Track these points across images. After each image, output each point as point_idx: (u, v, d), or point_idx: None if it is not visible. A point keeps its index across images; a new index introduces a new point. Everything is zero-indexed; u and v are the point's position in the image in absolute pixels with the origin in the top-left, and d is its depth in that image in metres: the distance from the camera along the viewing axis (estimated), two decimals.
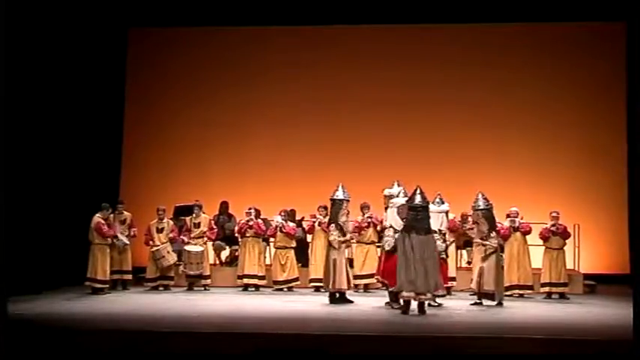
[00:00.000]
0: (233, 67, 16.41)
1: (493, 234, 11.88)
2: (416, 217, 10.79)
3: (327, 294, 12.06)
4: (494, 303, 11.73)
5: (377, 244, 13.64)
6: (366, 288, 13.51)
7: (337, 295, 11.89)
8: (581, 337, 9.30)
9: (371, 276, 13.22)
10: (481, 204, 11.88)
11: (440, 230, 11.43)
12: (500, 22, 15.72)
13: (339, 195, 11.95)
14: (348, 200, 11.97)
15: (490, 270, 11.68)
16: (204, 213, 14.08)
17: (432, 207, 11.32)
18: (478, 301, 11.83)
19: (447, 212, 11.81)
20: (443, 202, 11.77)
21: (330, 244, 11.92)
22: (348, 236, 12.13)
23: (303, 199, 14.63)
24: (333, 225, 11.85)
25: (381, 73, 16.06)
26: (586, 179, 14.86)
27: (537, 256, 13.06)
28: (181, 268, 13.73)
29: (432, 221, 11.11)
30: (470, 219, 13.29)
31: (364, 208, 13.44)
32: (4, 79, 7.60)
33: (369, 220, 13.38)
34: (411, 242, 10.65)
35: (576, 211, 13.60)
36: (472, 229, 12.57)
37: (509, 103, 15.86)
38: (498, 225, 12.70)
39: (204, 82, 16.42)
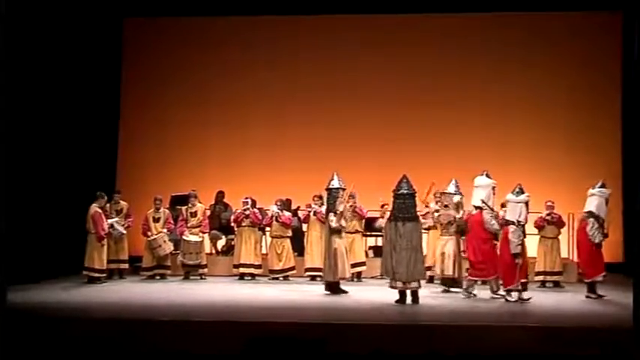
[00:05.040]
0: (229, 57, 16.41)
1: (457, 218, 12.01)
2: (403, 205, 10.88)
3: (325, 284, 12.00)
4: (460, 290, 11.85)
5: (364, 234, 14.01)
6: (359, 277, 13.60)
7: (336, 284, 11.88)
8: (575, 325, 9.39)
9: (358, 265, 13.43)
10: (452, 189, 12.03)
11: (518, 221, 11.12)
12: (497, 12, 15.73)
13: (335, 184, 11.98)
14: (344, 189, 12.01)
15: (450, 255, 11.88)
16: (200, 202, 14.15)
17: (510, 197, 11.36)
18: (446, 288, 11.98)
19: (526, 202, 11.34)
20: (522, 192, 11.36)
21: (330, 233, 11.87)
22: (344, 224, 12.12)
23: (298, 189, 14.68)
24: (331, 213, 11.85)
25: (377, 62, 16.09)
26: (581, 168, 14.89)
27: (532, 245, 13.10)
28: (179, 257, 13.79)
29: (509, 212, 11.24)
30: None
31: (350, 197, 13.42)
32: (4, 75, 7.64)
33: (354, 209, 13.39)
34: (399, 231, 10.74)
35: (571, 201, 13.63)
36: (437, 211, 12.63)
37: (504, 90, 15.88)
38: None
39: (200, 71, 16.42)
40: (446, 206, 11.84)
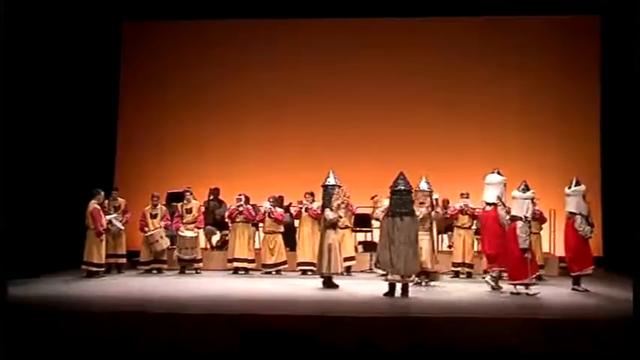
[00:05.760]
0: (225, 58, 16.58)
1: (433, 213, 12.34)
2: (400, 201, 11.15)
3: (320, 278, 12.19)
4: (434, 283, 12.19)
5: (354, 229, 14.20)
6: (348, 271, 13.80)
7: (329, 278, 12.10)
8: (556, 317, 9.70)
9: (348, 259, 13.56)
10: (425, 186, 12.29)
11: (525, 217, 11.38)
12: (483, 16, 15.94)
13: (331, 181, 12.20)
14: (339, 186, 12.22)
15: (428, 250, 12.03)
16: (195, 199, 14.38)
17: (516, 193, 11.57)
18: (419, 280, 12.15)
19: (532, 199, 11.62)
20: (528, 189, 11.66)
21: (325, 228, 12.08)
22: (342, 216, 12.42)
23: (290, 186, 14.93)
24: (327, 209, 12.07)
25: (371, 64, 16.29)
26: (562, 166, 15.12)
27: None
28: (176, 252, 13.99)
29: (516, 208, 11.40)
30: (450, 204, 13.91)
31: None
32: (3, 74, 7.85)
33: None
34: (397, 226, 11.00)
35: (552, 197, 13.97)
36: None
37: (494, 92, 16.09)
38: (478, 210, 13.41)
39: (196, 73, 16.54)
40: (421, 203, 11.99)
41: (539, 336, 8.72)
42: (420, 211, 11.91)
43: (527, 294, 11.32)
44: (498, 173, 12.04)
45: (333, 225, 12.11)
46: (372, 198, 13.74)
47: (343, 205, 12.64)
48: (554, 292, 12.01)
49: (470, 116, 16.11)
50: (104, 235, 13.41)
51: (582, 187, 12.10)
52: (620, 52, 14.79)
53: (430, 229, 12.29)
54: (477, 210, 13.46)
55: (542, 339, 8.58)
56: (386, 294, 11.17)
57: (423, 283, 12.11)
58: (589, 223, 12.02)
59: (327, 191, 12.18)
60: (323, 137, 16.28)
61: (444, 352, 6.01)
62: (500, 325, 9.16)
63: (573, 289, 11.96)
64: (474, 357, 5.99)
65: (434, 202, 12.49)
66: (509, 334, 8.63)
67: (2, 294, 7.48)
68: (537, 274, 11.73)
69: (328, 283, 12.13)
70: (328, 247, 11.99)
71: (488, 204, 12.03)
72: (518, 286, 11.40)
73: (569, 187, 12.10)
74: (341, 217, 12.32)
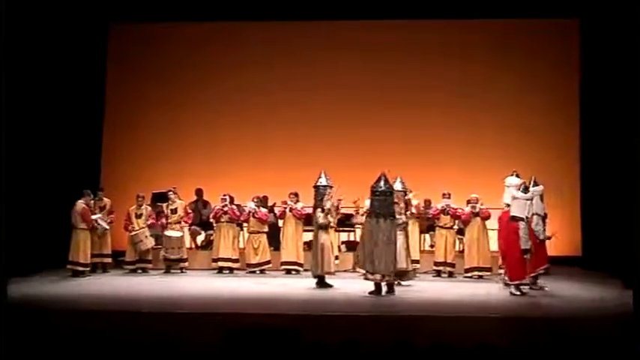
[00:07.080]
0: (211, 60, 16.59)
1: (408, 213, 12.48)
2: (383, 202, 11.29)
3: (314, 278, 12.25)
4: (408, 283, 12.20)
5: (337, 229, 14.19)
6: None
7: (320, 278, 12.17)
8: (536, 315, 9.95)
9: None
10: (399, 186, 12.38)
11: (527, 217, 11.45)
12: (464, 19, 16.00)
13: (322, 182, 12.33)
14: (331, 187, 12.33)
15: (401, 249, 11.86)
16: (180, 199, 14.46)
17: (518, 194, 11.63)
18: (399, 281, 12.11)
19: (531, 199, 11.69)
20: (528, 190, 11.76)
21: (317, 229, 12.18)
22: (332, 220, 12.52)
23: (274, 187, 15.03)
24: (319, 210, 12.18)
25: (355, 66, 16.35)
26: (540, 166, 15.08)
27: (495, 239, 13.60)
28: (162, 252, 14.04)
29: (517, 208, 11.46)
30: (432, 204, 14.09)
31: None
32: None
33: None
34: (379, 226, 11.17)
35: None
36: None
37: (480, 93, 16.17)
38: (459, 211, 13.61)
39: (182, 74, 16.54)
40: (396, 203, 11.91)
41: (521, 334, 8.90)
42: (404, 213, 12.07)
43: (511, 293, 11.47)
44: (517, 176, 12.13)
45: (325, 226, 12.23)
46: (355, 202, 13.66)
47: (334, 208, 12.76)
48: (531, 290, 12.08)
49: (453, 118, 16.16)
50: (90, 235, 13.49)
51: (540, 188, 12.21)
52: (599, 54, 15.04)
53: (405, 229, 12.37)
54: (459, 210, 13.68)
55: (523, 337, 8.75)
56: (372, 292, 11.32)
57: (395, 283, 12.08)
58: (545, 225, 12.20)
59: (319, 192, 12.30)
60: (307, 138, 16.31)
61: (428, 350, 6.14)
62: (483, 323, 9.37)
63: (531, 287, 12.00)
64: (458, 354, 6.13)
65: (410, 203, 12.65)
66: (492, 332, 8.80)
67: (2, 295, 7.54)
68: (534, 274, 11.86)
69: (321, 283, 12.21)
70: (321, 248, 12.11)
71: (507, 205, 12.09)
72: (516, 286, 11.47)
73: None
74: (330, 222, 12.43)
